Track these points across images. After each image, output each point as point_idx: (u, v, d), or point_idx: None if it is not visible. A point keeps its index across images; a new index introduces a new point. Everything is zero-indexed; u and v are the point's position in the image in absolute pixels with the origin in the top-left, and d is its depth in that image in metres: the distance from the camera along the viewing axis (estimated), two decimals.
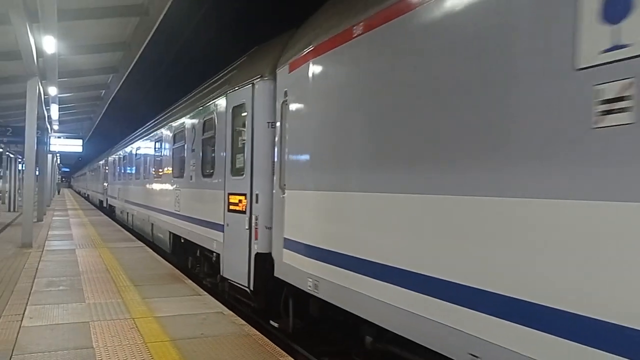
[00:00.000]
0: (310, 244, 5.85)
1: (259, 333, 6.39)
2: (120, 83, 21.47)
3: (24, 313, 7.05)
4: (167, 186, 13.90)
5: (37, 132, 15.53)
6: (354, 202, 5.07)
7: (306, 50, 6.12)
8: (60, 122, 28.55)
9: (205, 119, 10.34)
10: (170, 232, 13.25)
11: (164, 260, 12.09)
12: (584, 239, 2.78)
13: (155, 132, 16.28)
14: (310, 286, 5.80)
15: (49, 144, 25.29)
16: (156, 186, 15.70)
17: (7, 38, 11.94)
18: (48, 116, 23.34)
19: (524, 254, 3.16)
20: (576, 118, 2.86)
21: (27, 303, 7.62)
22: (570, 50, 2.89)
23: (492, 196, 3.41)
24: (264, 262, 7.27)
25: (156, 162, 15.92)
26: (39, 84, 15.16)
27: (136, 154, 19.99)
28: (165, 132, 14.54)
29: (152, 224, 15.92)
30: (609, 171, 2.68)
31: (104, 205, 32.72)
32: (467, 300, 3.58)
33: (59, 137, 27.76)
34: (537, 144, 3.09)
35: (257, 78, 7.68)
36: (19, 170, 35.32)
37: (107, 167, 32.00)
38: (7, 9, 10.46)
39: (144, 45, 15.60)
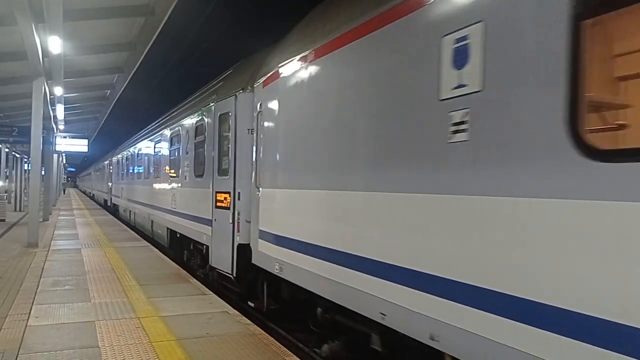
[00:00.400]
0: (278, 234, 6.96)
1: (264, 332, 6.40)
2: (126, 83, 21.51)
3: (30, 312, 7.07)
4: (165, 186, 14.94)
5: (43, 132, 15.57)
6: (305, 198, 6.25)
7: (274, 70, 7.28)
8: (66, 122, 28.65)
9: (197, 124, 11.44)
10: (167, 228, 14.41)
11: (169, 260, 12.12)
12: (437, 220, 4.04)
13: (154, 135, 17.44)
14: (277, 269, 6.90)
15: (55, 144, 25.37)
16: (155, 186, 16.70)
17: (13, 38, 11.98)
18: (54, 116, 23.43)
19: (408, 234, 4.36)
20: (439, 134, 3.99)
21: (33, 302, 7.65)
22: (437, 86, 4.04)
23: (384, 192, 4.71)
24: (244, 252, 8.24)
25: (155, 163, 17.09)
26: (45, 84, 15.22)
27: (137, 155, 21.25)
28: (164, 136, 15.62)
29: (152, 221, 16.95)
30: (457, 173, 3.83)
31: (108, 204, 33.93)
32: (377, 271, 4.71)
33: (64, 137, 27.84)
34: (418, 151, 4.28)
35: (239, 90, 8.79)
36: (25, 170, 35.50)
37: (111, 168, 33.36)
38: (13, 9, 10.49)
39: (149, 46, 15.61)
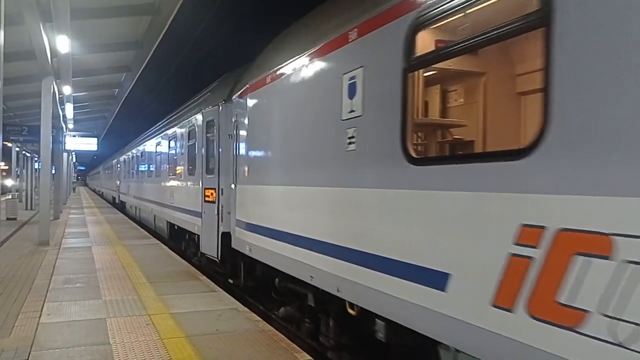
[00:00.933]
0: (248, 222, 8.48)
1: (273, 329, 6.42)
2: (133, 82, 21.60)
3: (41, 310, 7.14)
4: (164, 183, 16.63)
5: (53, 131, 15.69)
6: (264, 192, 7.87)
7: (245, 86, 8.82)
8: (75, 121, 28.81)
9: (189, 129, 13.04)
10: (167, 221, 16.03)
11: (179, 257, 12.18)
12: (339, 205, 5.54)
13: (155, 138, 19.18)
14: (247, 250, 8.45)
15: (65, 143, 25.53)
16: (156, 184, 18.40)
17: (21, 38, 12.05)
18: (63, 115, 23.57)
19: (322, 215, 5.91)
20: (341, 145, 5.46)
21: (44, 300, 7.71)
22: (340, 110, 5.54)
23: (310, 186, 6.25)
24: (227, 239, 9.65)
25: (156, 164, 18.86)
26: (54, 83, 15.31)
27: (141, 156, 23.16)
28: (163, 138, 17.29)
29: (155, 216, 18.64)
30: (351, 173, 5.34)
31: (116, 201, 35.82)
32: (307, 244, 6.19)
33: (74, 136, 28.02)
34: (326, 156, 5.86)
35: (222, 101, 10.33)
36: (35, 169, 35.74)
37: (118, 167, 35.76)
38: (21, 9, 10.55)
39: (155, 44, 15.67)
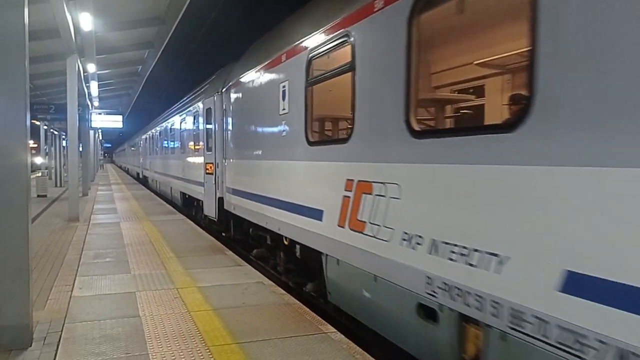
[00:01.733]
0: (233, 187, 11.18)
1: (298, 302, 6.49)
2: (156, 58, 21.65)
3: (73, 284, 7.33)
4: (178, 160, 19.36)
5: (79, 109, 15.89)
6: (239, 165, 10.73)
7: (230, 83, 11.44)
8: (100, 98, 29.10)
9: (194, 114, 15.57)
10: (180, 192, 18.81)
11: (205, 232, 12.35)
12: (281, 173, 7.98)
13: (169, 120, 21.99)
14: (232, 209, 11.16)
15: (91, 120, 25.83)
16: (171, 160, 21.28)
17: (45, 16, 12.13)
18: (88, 93, 23.81)
19: (272, 180, 8.35)
20: (279, 134, 7.94)
21: (76, 274, 7.92)
22: (278, 108, 7.95)
23: (268, 160, 8.66)
24: (221, 203, 12.19)
25: (172, 142, 21.59)
26: (78, 61, 15.44)
27: (159, 135, 26.10)
28: (175, 121, 19.96)
29: (171, 187, 21.59)
30: (283, 151, 7.83)
31: (140, 176, 39.75)
32: (265, 201, 8.72)
33: (99, 114, 28.33)
34: (272, 139, 8.44)
35: (217, 92, 12.48)
36: (63, 147, 36.35)
37: (140, 145, 39.99)
38: None
39: (177, 20, 15.64)
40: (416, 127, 4.74)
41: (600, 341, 2.90)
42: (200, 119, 14.27)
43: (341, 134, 7.85)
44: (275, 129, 8.27)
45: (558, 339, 3.17)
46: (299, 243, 7.48)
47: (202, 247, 10.23)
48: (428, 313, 4.54)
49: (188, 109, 16.88)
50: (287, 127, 7.72)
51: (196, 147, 15.18)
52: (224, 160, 11.98)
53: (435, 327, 4.43)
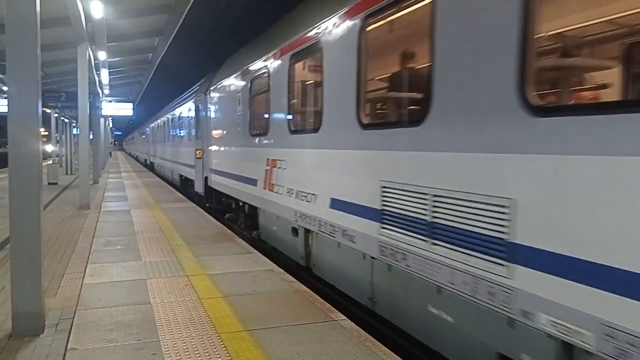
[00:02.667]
0: (213, 168, 14.35)
1: (308, 289, 6.50)
2: (167, 46, 21.59)
3: (85, 271, 7.40)
4: (177, 147, 23.49)
5: (89, 97, 15.91)
6: (217, 150, 13.94)
7: (211, 87, 14.89)
8: (111, 86, 29.11)
9: (187, 110, 19.53)
10: (179, 174, 22.67)
11: (214, 220, 12.39)
12: (253, 158, 10.42)
13: (170, 113, 25.97)
14: (214, 186, 14.26)
15: (101, 108, 25.90)
16: (172, 147, 25.44)
17: (56, 4, 12.14)
18: (99, 81, 23.84)
19: (244, 163, 11.05)
20: (236, 128, 11.67)
21: (87, 262, 7.98)
22: (237, 110, 11.66)
23: (229, 147, 12.81)
24: (207, 181, 15.30)
25: (172, 132, 25.60)
26: (89, 48, 15.46)
27: (163, 125, 30.07)
28: (175, 114, 23.82)
29: (172, 171, 25.63)
30: (240, 139, 11.43)
31: (147, 163, 43.74)
32: (237, 179, 11.54)
33: (110, 102, 28.40)
34: (234, 131, 11.91)
35: (204, 93, 15.63)
36: (74, 135, 36.54)
37: (147, 134, 45.19)
38: None
39: (188, 7, 15.58)
40: (292, 127, 8.36)
41: (341, 228, 6.44)
42: (192, 114, 18.29)
43: (264, 130, 9.66)
44: (234, 125, 11.92)
45: (328, 230, 6.83)
46: (246, 203, 11.17)
47: (212, 235, 10.28)
48: (295, 231, 8.31)
49: (183, 105, 20.96)
50: (240, 124, 11.37)
51: (189, 137, 19.07)
52: (208, 147, 15.23)
53: (297, 238, 8.22)
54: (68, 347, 4.65)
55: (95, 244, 9.38)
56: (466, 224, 4.18)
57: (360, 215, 5.95)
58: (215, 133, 14.26)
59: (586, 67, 4.99)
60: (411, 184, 4.93)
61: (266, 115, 9.50)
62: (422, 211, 4.72)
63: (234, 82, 11.98)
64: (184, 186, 21.10)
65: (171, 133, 25.67)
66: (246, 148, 10.79)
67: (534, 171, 3.50)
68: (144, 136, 51.39)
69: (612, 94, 4.58)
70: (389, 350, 4.62)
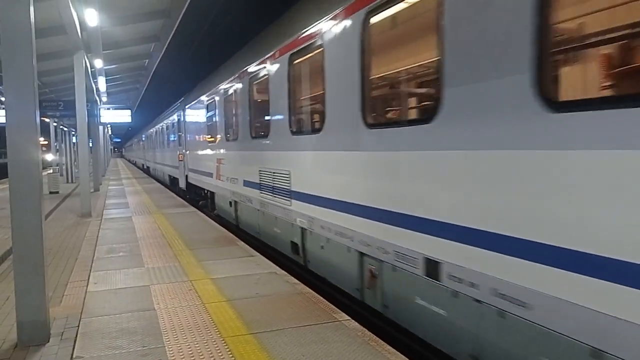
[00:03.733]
0: (190, 167, 18.97)
1: (312, 291, 6.50)
2: (162, 52, 21.64)
3: (88, 279, 7.40)
4: (165, 152, 28.60)
5: (87, 105, 15.93)
6: (191, 154, 18.72)
7: (186, 104, 19.68)
8: (108, 93, 29.18)
9: (172, 121, 23.90)
10: (169, 175, 27.06)
11: (216, 224, 12.39)
12: (207, 156, 15.59)
13: (160, 124, 30.80)
14: (191, 181, 18.84)
15: (99, 116, 25.92)
16: (161, 153, 31.05)
17: (51, 13, 12.16)
18: (96, 88, 23.89)
19: (204, 161, 16.04)
20: (201, 136, 16.85)
21: (90, 269, 7.99)
22: (201, 122, 16.92)
23: (197, 151, 17.75)
24: (187, 178, 19.52)
25: (161, 140, 30.66)
26: (85, 57, 15.47)
27: (155, 134, 35.25)
28: (164, 124, 28.31)
29: (163, 173, 30.49)
30: (204, 145, 16.36)
31: (144, 167, 49.09)
32: (203, 173, 16.22)
33: (108, 109, 28.41)
34: (199, 141, 17.09)
35: (182, 110, 19.98)
36: (73, 143, 36.55)
37: (142, 141, 51.57)
38: None
39: (182, 13, 15.61)
40: (226, 137, 12.58)
41: (248, 197, 10.99)
42: (175, 125, 22.79)
43: (214, 139, 14.32)
44: (200, 134, 16.73)
45: (244, 200, 11.35)
46: (208, 190, 15.95)
47: (214, 239, 10.28)
48: (230, 204, 12.78)
49: (169, 118, 25.66)
50: (203, 134, 16.08)
51: (173, 144, 23.99)
52: (186, 152, 19.81)
53: (232, 208, 12.68)
54: (74, 356, 4.65)
55: (98, 251, 9.38)
56: (279, 184, 8.87)
57: (253, 187, 10.51)
58: (190, 141, 19.13)
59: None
60: (262, 168, 9.75)
61: (215, 129, 14.22)
62: (270, 182, 9.34)
63: (198, 103, 16.84)
64: (173, 184, 25.04)
65: (161, 141, 31.08)
66: (207, 152, 15.49)
67: (298, 156, 8.01)
68: (140, 143, 57.71)
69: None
70: (393, 350, 4.62)
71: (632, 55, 3.44)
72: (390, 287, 5.57)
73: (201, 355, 4.58)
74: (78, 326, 5.42)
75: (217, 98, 13.75)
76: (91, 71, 19.49)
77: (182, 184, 20.98)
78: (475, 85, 4.02)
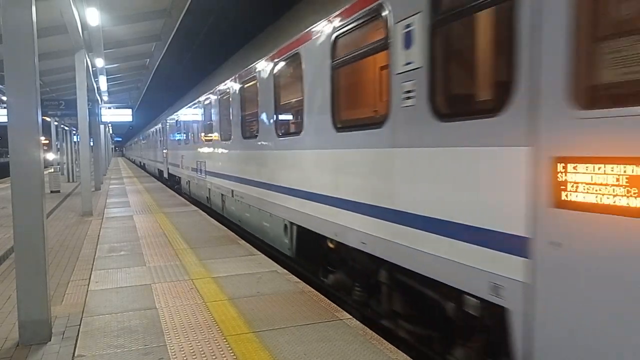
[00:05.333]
0: (169, 162, 26.38)
1: (313, 290, 6.51)
2: (164, 51, 21.64)
3: (90, 278, 7.41)
4: (155, 151, 35.46)
5: (88, 104, 15.94)
6: (170, 152, 25.88)
7: (166, 116, 27.94)
8: (109, 93, 29.20)
9: (158, 127, 30.73)
10: (157, 168, 34.22)
11: (217, 223, 12.40)
12: (187, 155, 20.43)
13: (157, 124, 33.66)
14: (170, 172, 25.89)
15: (101, 115, 25.95)
16: (153, 151, 37.35)
17: (52, 12, 12.16)
18: (97, 88, 23.89)
19: (179, 159, 22.67)
20: (177, 137, 24.67)
21: (92, 268, 7.99)
22: (178, 129, 24.39)
23: (175, 150, 24.62)
24: (169, 170, 26.87)
25: (151, 142, 38.35)
26: (86, 56, 15.48)
27: (149, 136, 40.92)
28: (154, 129, 34.73)
29: (153, 167, 37.23)
30: (181, 145, 22.96)
31: (141, 164, 54.75)
32: (181, 165, 22.02)
33: (109, 108, 28.43)
34: (175, 142, 24.33)
35: (165, 119, 26.98)
36: (75, 142, 36.57)
37: (141, 142, 56.03)
38: None
39: (183, 12, 15.60)
40: (185, 142, 20.53)
41: (192, 178, 18.95)
42: (160, 130, 29.37)
43: (180, 142, 20.52)
44: (173, 138, 23.60)
45: (193, 180, 18.89)
46: (180, 177, 22.06)
47: (216, 238, 10.28)
48: (187, 183, 20.68)
49: (158, 125, 31.58)
50: (174, 137, 23.51)
51: (161, 144, 30.06)
52: (168, 151, 26.54)
53: (189, 186, 20.40)
54: (75, 354, 4.66)
55: (99, 250, 9.39)
56: (202, 168, 16.28)
57: (194, 172, 17.78)
58: (169, 142, 25.75)
59: None
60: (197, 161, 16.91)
61: (180, 137, 21.26)
62: (199, 167, 16.86)
63: (171, 116, 24.27)
64: (159, 177, 32.57)
65: (150, 142, 39.97)
66: (177, 151, 22.14)
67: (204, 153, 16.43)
68: (135, 145, 69.96)
69: None
70: (395, 348, 4.62)
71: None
72: (229, 204, 13.30)
73: (202, 354, 4.58)
74: (79, 325, 5.43)
75: (178, 117, 22.09)
76: (92, 70, 19.50)
77: (165, 175, 28.61)
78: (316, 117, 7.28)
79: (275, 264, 7.99)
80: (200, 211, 14.81)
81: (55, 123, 32.48)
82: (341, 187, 6.36)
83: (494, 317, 4.09)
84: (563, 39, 3.21)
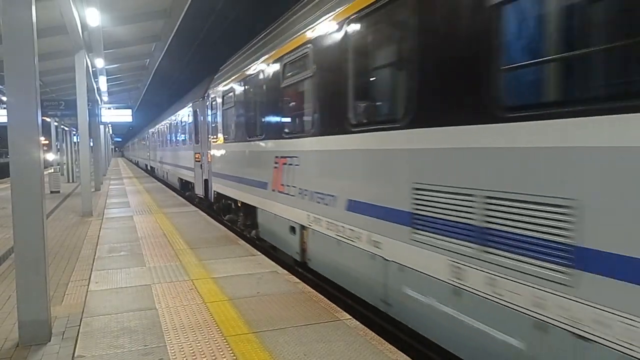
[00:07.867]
0: (159, 160, 34.42)
1: (313, 290, 6.50)
2: (164, 51, 21.66)
3: (89, 278, 7.40)
4: (146, 152, 44.61)
5: (88, 104, 15.94)
6: (154, 153, 35.89)
7: (149, 128, 40.24)
8: (109, 93, 29.22)
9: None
10: (148, 165, 42.45)
11: (217, 223, 12.40)
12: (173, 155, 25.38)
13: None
14: (154, 166, 37.09)
15: (100, 115, 25.96)
16: (144, 151, 46.61)
17: (52, 13, 12.17)
18: (97, 88, 23.90)
19: (166, 158, 28.92)
20: (154, 145, 37.43)
21: (92, 269, 7.99)
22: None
23: (153, 150, 36.14)
24: (153, 165, 37.48)
25: (142, 145, 49.21)
26: (86, 56, 15.48)
27: (138, 141, 52.05)
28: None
29: (145, 164, 45.96)
30: (161, 150, 31.71)
31: (136, 162, 60.40)
32: (162, 163, 30.37)
33: (109, 108, 28.44)
34: (167, 144, 28.41)
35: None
36: (74, 143, 36.57)
37: (134, 145, 61.22)
38: None
39: (183, 13, 15.61)
40: (168, 144, 26.99)
41: (182, 175, 22.00)
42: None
43: (165, 145, 26.19)
44: (155, 143, 35.07)
45: (184, 177, 21.54)
46: (166, 171, 28.32)
47: (216, 238, 10.28)
48: (180, 180, 22.88)
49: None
50: (154, 145, 36.19)
51: (149, 148, 36.59)
52: (155, 152, 31.64)
53: (179, 183, 23.37)
54: (75, 355, 4.66)
55: (99, 250, 9.39)
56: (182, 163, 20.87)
57: (184, 169, 20.22)
58: (153, 147, 32.96)
59: None
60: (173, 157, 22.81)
61: (165, 140, 26.74)
62: (173, 162, 23.50)
63: (149, 131, 35.00)
64: (152, 170, 36.76)
65: (142, 145, 46.98)
66: (160, 152, 27.81)
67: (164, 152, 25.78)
68: (134, 145, 72.12)
69: None
70: (395, 348, 4.62)
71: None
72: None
73: (202, 354, 4.58)
74: (79, 325, 5.42)
75: (162, 126, 26.83)
76: (92, 70, 19.51)
77: (153, 168, 31.84)
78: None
79: (276, 264, 7.99)
80: (200, 211, 14.81)
81: (55, 123, 32.48)
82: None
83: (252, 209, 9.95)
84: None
